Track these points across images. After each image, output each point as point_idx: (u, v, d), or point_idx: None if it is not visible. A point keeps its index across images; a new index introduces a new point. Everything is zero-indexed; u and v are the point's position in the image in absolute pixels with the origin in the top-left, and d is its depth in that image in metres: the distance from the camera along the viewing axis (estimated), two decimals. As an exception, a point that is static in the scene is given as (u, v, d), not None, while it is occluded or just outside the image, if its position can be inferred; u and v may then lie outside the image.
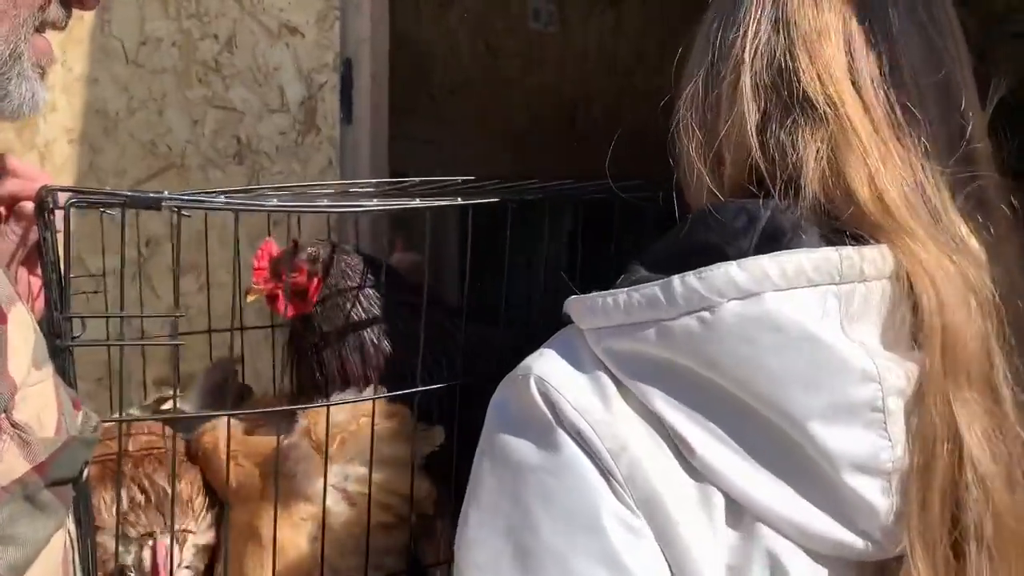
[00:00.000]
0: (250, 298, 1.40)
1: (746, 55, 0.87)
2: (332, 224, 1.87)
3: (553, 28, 2.84)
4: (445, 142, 2.50)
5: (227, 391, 1.46)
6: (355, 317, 1.40)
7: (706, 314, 0.77)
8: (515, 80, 2.75)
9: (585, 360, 0.83)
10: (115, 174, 2.12)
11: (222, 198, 1.03)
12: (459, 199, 1.27)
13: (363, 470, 1.33)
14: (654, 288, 0.79)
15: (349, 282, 1.41)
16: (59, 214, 0.98)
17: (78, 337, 1.03)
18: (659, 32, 3.18)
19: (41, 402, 0.80)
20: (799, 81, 0.84)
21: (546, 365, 0.83)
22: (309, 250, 1.40)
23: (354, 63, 2.02)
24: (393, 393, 1.31)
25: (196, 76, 2.07)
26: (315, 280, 1.40)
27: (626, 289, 0.81)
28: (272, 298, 1.41)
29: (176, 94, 2.09)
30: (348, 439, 1.34)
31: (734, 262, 0.77)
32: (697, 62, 0.94)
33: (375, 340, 1.39)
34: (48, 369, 0.83)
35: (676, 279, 0.78)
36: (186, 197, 1.01)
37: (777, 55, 0.86)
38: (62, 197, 0.97)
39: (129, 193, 0.97)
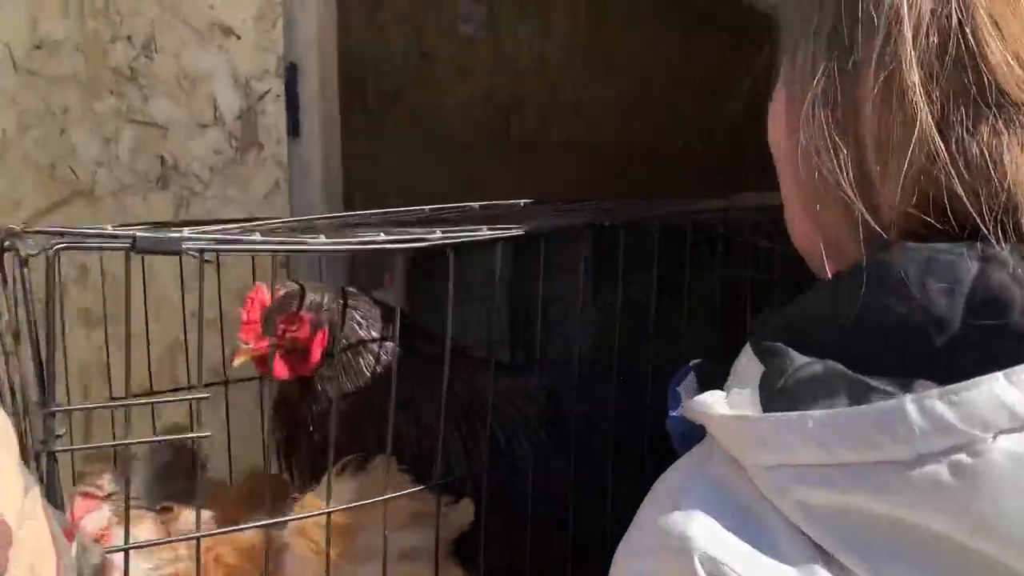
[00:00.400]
0: (237, 361, 1.12)
1: (905, 40, 0.62)
2: (287, 263, 1.59)
3: (483, 33, 2.62)
4: (382, 156, 2.24)
5: (177, 474, 1.17)
6: (369, 380, 1.14)
7: (963, 457, 0.53)
8: (449, 87, 2.52)
9: (765, 519, 0.58)
10: (6, 206, 1.76)
11: (257, 235, 0.76)
12: (515, 228, 1.03)
13: (376, 570, 1.07)
14: (866, 414, 0.55)
15: (364, 335, 1.14)
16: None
17: (62, 437, 0.74)
18: (585, 38, 3.01)
19: (34, 547, 0.60)
20: (989, 69, 0.61)
21: (710, 533, 0.57)
22: (312, 296, 1.12)
23: (300, 68, 1.74)
24: (415, 488, 1.05)
25: (107, 86, 1.74)
26: (319, 334, 1.13)
27: (817, 414, 0.56)
28: (263, 357, 1.13)
29: (81, 107, 1.75)
30: (356, 531, 1.08)
31: (1000, 375, 0.54)
32: (811, 56, 0.68)
33: (398, 410, 1.13)
34: (35, 492, 0.62)
35: (910, 405, 0.54)
36: (211, 236, 0.73)
37: (952, 37, 0.62)
38: (38, 240, 0.69)
39: (140, 233, 0.69)
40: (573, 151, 3.01)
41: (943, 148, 0.61)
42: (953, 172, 0.61)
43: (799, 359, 0.59)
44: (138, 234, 0.66)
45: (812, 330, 0.61)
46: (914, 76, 0.62)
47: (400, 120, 2.37)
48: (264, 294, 1.11)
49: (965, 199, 0.60)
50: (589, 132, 3.07)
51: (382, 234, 0.83)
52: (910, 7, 0.62)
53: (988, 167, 0.60)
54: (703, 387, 0.70)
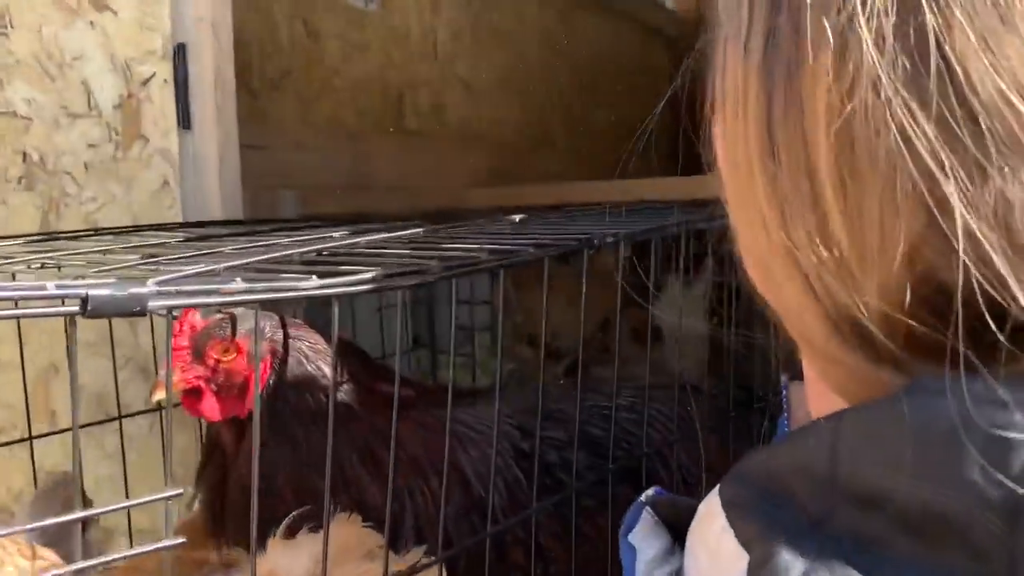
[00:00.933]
0: (157, 396, 0.93)
1: (869, 68, 0.40)
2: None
3: (374, 6, 2.42)
4: (273, 147, 2.02)
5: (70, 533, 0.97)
6: (317, 425, 0.96)
7: None
8: (339, 68, 2.31)
9: None
10: None
11: (237, 280, 0.57)
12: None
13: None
14: None
15: (312, 371, 0.96)
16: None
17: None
18: (475, 14, 2.85)
19: None
20: (980, 104, 0.39)
21: None
22: (247, 323, 0.94)
23: (190, 49, 1.52)
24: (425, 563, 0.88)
25: (-50, 69, 1.47)
26: (259, 366, 0.94)
27: None
28: (193, 393, 0.94)
29: (-82, 95, 1.47)
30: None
31: None
32: (740, 76, 0.47)
33: (355, 461, 0.96)
34: None
35: None
36: (182, 288, 0.55)
37: (933, 62, 0.40)
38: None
39: (94, 290, 0.50)
40: (469, 137, 2.85)
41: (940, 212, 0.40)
42: (946, 247, 0.39)
43: (795, 566, 0.41)
44: (90, 293, 0.47)
45: (808, 497, 0.42)
46: (889, 96, 0.40)
47: (287, 106, 2.15)
48: (195, 317, 0.92)
49: (976, 287, 0.39)
50: (483, 115, 2.93)
51: (379, 269, 0.66)
52: (875, 40, 0.40)
53: (1002, 242, 0.39)
54: (668, 527, 0.55)
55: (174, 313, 0.53)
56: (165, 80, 1.50)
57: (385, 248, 0.85)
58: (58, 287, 0.47)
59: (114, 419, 1.33)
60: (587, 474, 0.97)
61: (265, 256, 0.69)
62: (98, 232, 1.22)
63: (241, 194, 1.60)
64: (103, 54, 1.48)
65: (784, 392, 0.68)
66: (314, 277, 0.58)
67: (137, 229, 1.30)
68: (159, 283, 0.50)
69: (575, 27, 3.52)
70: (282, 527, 0.95)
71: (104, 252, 0.87)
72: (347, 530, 0.92)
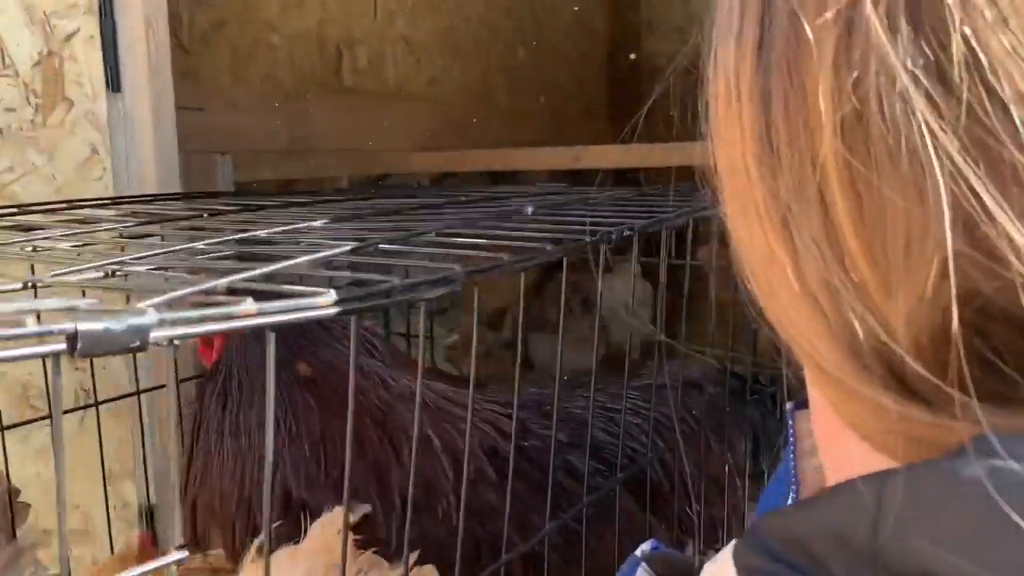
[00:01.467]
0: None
1: (881, 55, 0.34)
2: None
3: (311, -46, 2.26)
4: (207, 108, 1.87)
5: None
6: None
7: None
8: (275, 22, 2.15)
9: None
10: None
11: (249, 301, 0.46)
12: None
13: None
14: None
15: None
16: None
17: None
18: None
19: None
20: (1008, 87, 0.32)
21: None
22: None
23: (119, 3, 1.36)
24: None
25: None
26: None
27: None
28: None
29: None
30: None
31: None
32: (732, 70, 0.41)
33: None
34: None
35: None
36: (184, 315, 0.43)
37: (954, 47, 0.33)
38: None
39: (84, 324, 0.39)
40: (408, 97, 2.72)
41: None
42: (991, 260, 0.32)
43: None
44: (80, 327, 0.36)
45: (845, 571, 0.35)
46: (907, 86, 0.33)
47: (220, 63, 1.99)
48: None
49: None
50: (423, 74, 2.79)
51: (397, 277, 0.55)
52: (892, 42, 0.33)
53: None
54: None
55: (176, 343, 0.41)
56: (91, 36, 1.34)
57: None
58: (40, 327, 0.36)
59: (46, 417, 1.20)
60: (590, 481, 0.89)
61: (273, 267, 0.57)
62: (23, 210, 1.08)
63: (178, 163, 1.46)
64: (18, 6, 1.32)
65: (789, 422, 0.61)
66: (331, 292, 0.48)
67: (70, 206, 1.16)
68: (160, 309, 0.40)
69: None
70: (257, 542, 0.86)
71: (53, 248, 0.74)
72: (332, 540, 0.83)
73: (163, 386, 1.31)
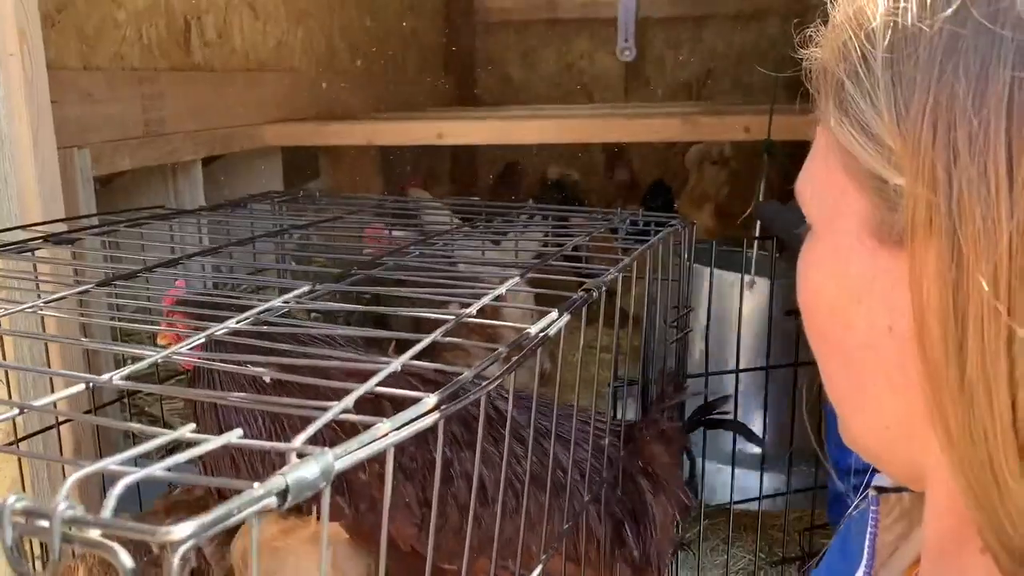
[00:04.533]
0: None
1: None
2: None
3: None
4: (60, 100, 1.73)
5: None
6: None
7: None
8: (120, -2, 2.00)
9: None
10: None
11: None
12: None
13: None
14: None
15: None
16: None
17: None
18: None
19: None
20: None
21: None
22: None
23: (-16, 12, 1.24)
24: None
25: None
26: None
27: None
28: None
29: None
30: None
31: None
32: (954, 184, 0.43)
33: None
34: None
35: None
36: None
37: None
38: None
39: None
40: (256, 67, 2.61)
41: None
42: None
43: None
44: (291, 480, 0.39)
45: None
46: None
47: (69, 48, 1.84)
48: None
49: None
50: (269, 40, 2.68)
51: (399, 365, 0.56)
52: None
53: None
54: None
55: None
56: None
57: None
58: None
59: None
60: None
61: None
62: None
63: (60, 179, 1.37)
64: None
65: (874, 508, 0.66)
66: (385, 422, 0.50)
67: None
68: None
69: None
70: None
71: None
72: None
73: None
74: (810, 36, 0.54)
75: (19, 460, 1.13)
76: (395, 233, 1.49)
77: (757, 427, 1.97)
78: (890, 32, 0.47)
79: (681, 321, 1.55)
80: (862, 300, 0.50)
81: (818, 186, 0.54)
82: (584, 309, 0.93)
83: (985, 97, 0.42)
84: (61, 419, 1.13)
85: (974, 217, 0.42)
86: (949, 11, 0.44)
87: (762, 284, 1.97)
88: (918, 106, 0.44)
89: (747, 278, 1.95)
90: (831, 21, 0.52)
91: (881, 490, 0.65)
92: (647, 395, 1.45)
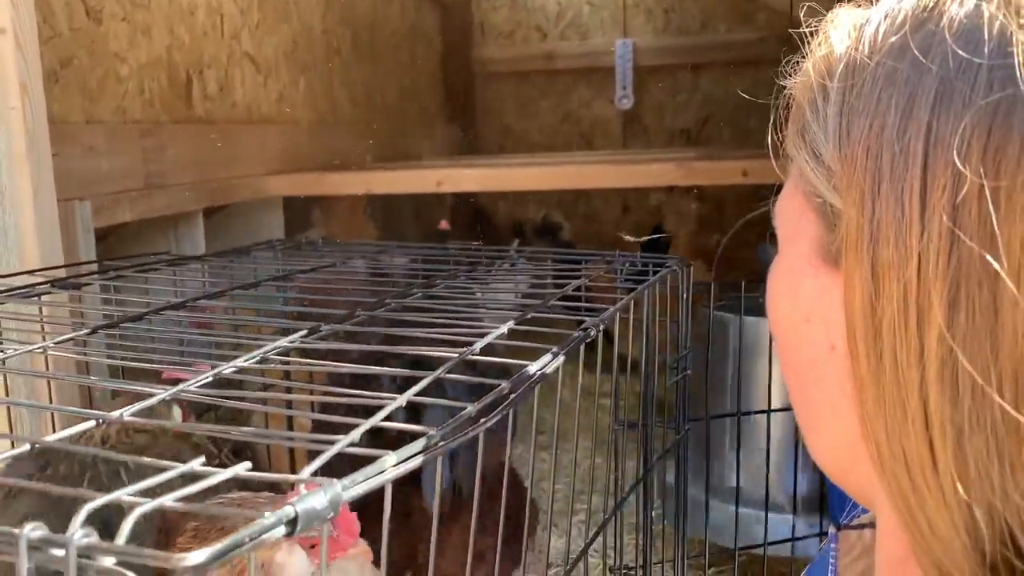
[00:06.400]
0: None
1: None
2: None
3: (157, -20, 2.15)
4: (62, 154, 1.76)
5: None
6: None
7: None
8: (124, 54, 2.04)
9: None
10: None
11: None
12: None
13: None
14: None
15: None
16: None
17: None
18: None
19: None
20: None
21: None
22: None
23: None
24: None
25: None
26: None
27: None
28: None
29: None
30: None
31: None
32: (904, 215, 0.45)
33: None
34: None
35: None
36: None
37: None
38: None
39: None
40: (258, 119, 2.64)
41: None
42: None
43: None
44: (300, 509, 0.41)
45: None
46: None
47: (72, 102, 1.87)
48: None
49: None
50: (271, 93, 2.72)
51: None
52: None
53: None
54: None
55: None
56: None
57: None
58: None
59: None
60: None
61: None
62: None
63: (59, 230, 1.38)
64: None
65: (832, 545, 0.67)
66: (391, 454, 0.51)
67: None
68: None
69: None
70: None
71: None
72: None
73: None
74: (792, 74, 0.57)
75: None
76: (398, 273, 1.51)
77: (788, 469, 1.97)
78: (843, 65, 0.50)
79: (680, 363, 1.56)
80: (810, 319, 0.52)
81: (784, 209, 0.56)
82: (582, 348, 0.94)
83: (908, 126, 0.45)
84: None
85: (889, 238, 0.44)
86: (894, 45, 0.47)
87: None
88: (857, 132, 0.47)
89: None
90: (807, 58, 0.55)
91: (840, 527, 0.66)
92: (648, 439, 1.45)
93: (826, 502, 2.01)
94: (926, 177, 0.44)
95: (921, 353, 0.43)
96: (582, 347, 0.94)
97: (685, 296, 1.51)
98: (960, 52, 0.44)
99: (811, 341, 0.52)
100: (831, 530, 0.68)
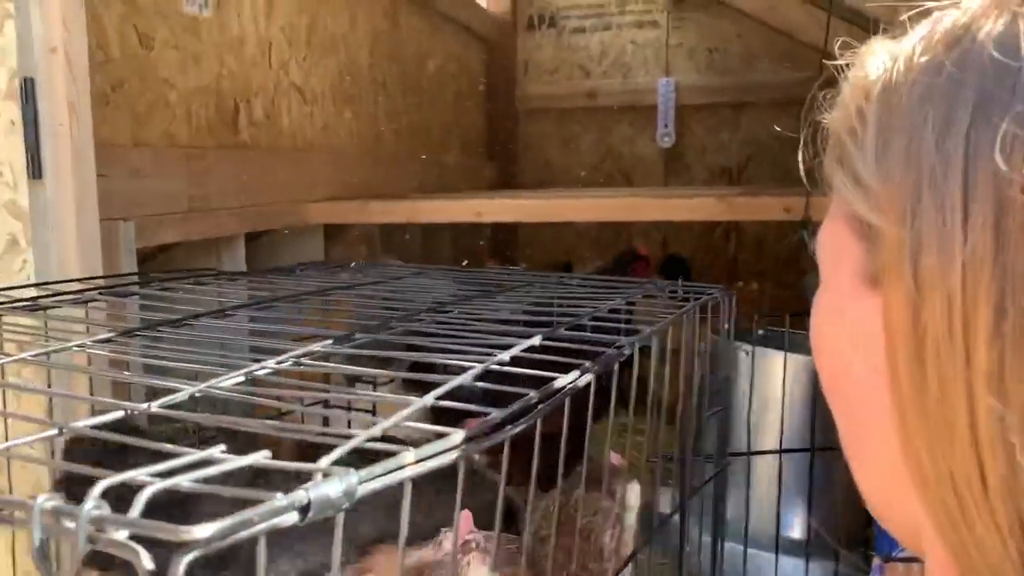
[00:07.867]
0: None
1: None
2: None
3: (208, 12, 2.20)
4: (109, 175, 1.79)
5: None
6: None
7: None
8: (174, 80, 2.08)
9: None
10: None
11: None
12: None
13: None
14: None
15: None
16: None
17: None
18: (304, 18, 2.67)
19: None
20: None
21: None
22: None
23: (40, 84, 1.30)
24: None
25: None
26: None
27: None
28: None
29: None
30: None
31: None
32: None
33: None
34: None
35: None
36: None
37: None
38: None
39: None
40: (303, 147, 2.68)
41: None
42: None
43: None
44: (313, 496, 0.41)
45: None
46: None
47: (121, 125, 1.91)
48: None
49: None
50: (316, 122, 2.76)
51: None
52: None
53: None
54: None
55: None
56: (12, 121, 1.27)
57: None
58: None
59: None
60: None
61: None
62: None
63: (100, 249, 1.40)
64: (-67, 90, 1.24)
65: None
66: (411, 451, 0.50)
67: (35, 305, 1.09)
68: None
69: (399, 27, 3.39)
70: None
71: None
72: None
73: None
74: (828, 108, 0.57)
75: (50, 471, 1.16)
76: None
77: (800, 511, 1.94)
78: (879, 87, 0.50)
79: (720, 395, 1.54)
80: (857, 346, 0.50)
81: (825, 238, 0.55)
82: (616, 367, 0.93)
83: (946, 135, 0.44)
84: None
85: (931, 249, 0.44)
86: (930, 63, 0.47)
87: (805, 361, 1.95)
88: (895, 148, 0.47)
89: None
90: (842, 87, 0.55)
91: (887, 559, 0.64)
92: (685, 472, 1.43)
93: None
94: (967, 184, 0.43)
95: (968, 364, 0.42)
96: (616, 366, 0.93)
97: (726, 326, 1.49)
98: (997, 59, 0.44)
99: (859, 368, 0.51)
100: (876, 561, 0.66)
